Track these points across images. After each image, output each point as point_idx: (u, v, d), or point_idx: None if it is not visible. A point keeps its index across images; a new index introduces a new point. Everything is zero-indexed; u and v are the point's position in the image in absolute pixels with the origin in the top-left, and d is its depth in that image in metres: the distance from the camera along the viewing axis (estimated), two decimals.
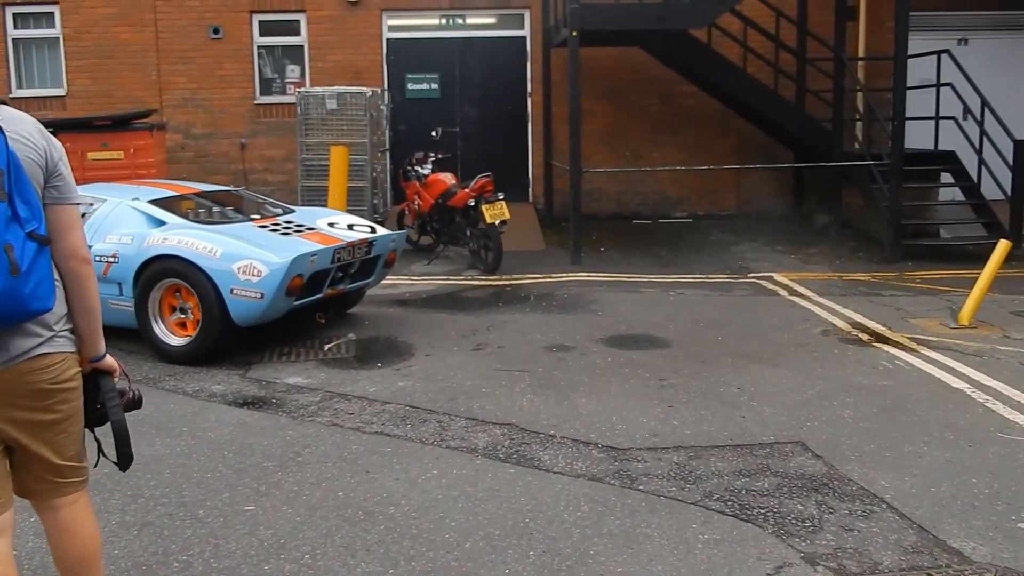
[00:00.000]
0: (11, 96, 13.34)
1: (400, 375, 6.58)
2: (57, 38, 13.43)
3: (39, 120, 2.87)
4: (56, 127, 10.77)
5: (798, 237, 12.62)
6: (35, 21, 13.49)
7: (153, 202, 7.53)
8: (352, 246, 7.36)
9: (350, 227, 7.87)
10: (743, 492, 4.57)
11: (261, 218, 7.86)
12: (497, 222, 10.17)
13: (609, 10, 11.31)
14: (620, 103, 13.97)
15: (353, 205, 11.46)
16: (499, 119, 14.02)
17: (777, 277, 10.12)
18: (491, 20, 13.89)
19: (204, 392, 6.27)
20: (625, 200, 14.27)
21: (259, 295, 6.67)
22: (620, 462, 4.97)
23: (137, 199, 7.52)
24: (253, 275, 6.66)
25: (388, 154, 13.34)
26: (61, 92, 13.46)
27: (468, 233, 10.53)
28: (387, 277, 9.83)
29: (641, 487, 4.64)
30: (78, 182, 3.29)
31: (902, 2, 10.79)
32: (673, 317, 8.27)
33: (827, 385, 6.30)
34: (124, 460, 2.94)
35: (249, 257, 6.70)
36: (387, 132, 13.29)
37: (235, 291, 6.70)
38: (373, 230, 7.94)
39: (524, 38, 13.88)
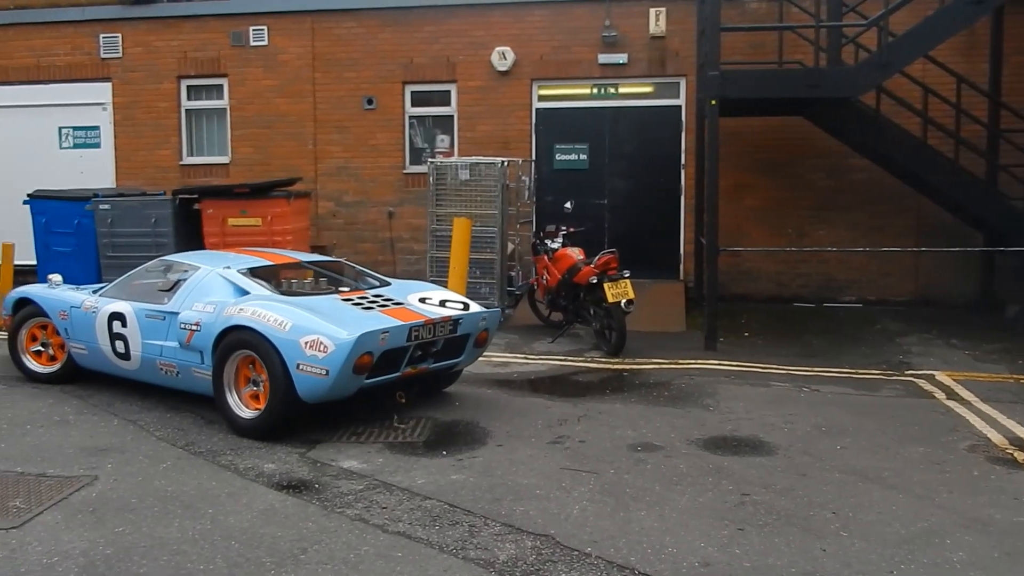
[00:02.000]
0: (182, 163, 14.13)
1: (458, 467, 6.07)
2: (224, 109, 14.09)
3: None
4: (200, 194, 11.17)
5: (980, 330, 11.15)
6: (207, 93, 14.23)
7: (244, 271, 7.44)
8: (433, 324, 6.97)
9: (442, 303, 7.49)
10: None
11: (350, 290, 7.64)
12: (622, 302, 9.53)
13: (753, 77, 10.51)
14: (781, 176, 13.03)
15: (482, 278, 11.17)
16: (650, 192, 13.36)
17: (939, 376, 8.88)
18: (646, 89, 13.36)
19: (254, 470, 6.00)
20: (785, 281, 13.22)
21: (324, 371, 6.37)
22: None
23: (228, 267, 7.46)
24: (319, 350, 6.37)
25: (532, 225, 13.00)
26: (226, 160, 14.05)
27: (592, 312, 9.96)
28: (503, 354, 9.48)
29: None
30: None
31: None
32: (793, 418, 7.33)
33: (946, 517, 5.26)
34: None
35: (317, 332, 6.43)
36: (533, 203, 12.97)
37: (301, 366, 6.44)
38: (465, 307, 7.52)
39: (679, 107, 13.24)
